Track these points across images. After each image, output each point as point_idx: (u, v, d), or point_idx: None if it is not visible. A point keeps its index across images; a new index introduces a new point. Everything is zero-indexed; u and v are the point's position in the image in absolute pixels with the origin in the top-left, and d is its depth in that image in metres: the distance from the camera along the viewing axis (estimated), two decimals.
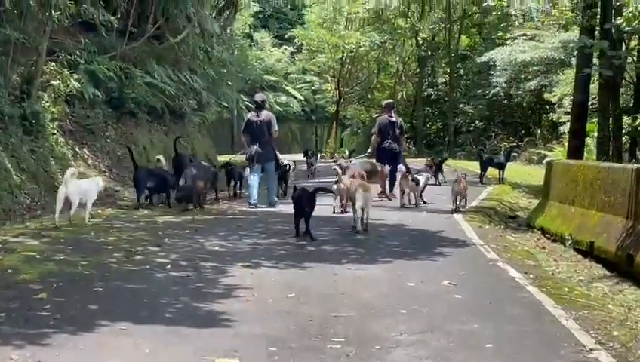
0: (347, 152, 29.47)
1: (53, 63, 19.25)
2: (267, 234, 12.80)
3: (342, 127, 57.08)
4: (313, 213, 12.78)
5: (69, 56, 19.71)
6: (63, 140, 18.89)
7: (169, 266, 9.73)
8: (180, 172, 17.30)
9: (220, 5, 32.63)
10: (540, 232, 15.03)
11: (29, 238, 11.59)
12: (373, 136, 19.52)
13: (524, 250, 12.84)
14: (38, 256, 10.04)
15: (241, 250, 11.23)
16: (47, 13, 17.66)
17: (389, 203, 18.31)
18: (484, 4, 40.10)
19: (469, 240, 12.82)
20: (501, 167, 24.57)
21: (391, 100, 22.49)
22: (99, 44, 21.27)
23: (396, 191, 18.64)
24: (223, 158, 27.63)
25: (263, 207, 16.85)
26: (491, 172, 25.16)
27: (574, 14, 30.80)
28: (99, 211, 15.07)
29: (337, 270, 9.82)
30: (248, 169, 17.89)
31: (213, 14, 30.13)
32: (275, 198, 17.43)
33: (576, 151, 22.03)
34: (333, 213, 15.81)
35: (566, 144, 30.31)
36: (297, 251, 11.29)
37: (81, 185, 13.50)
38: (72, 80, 19.26)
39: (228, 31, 33.01)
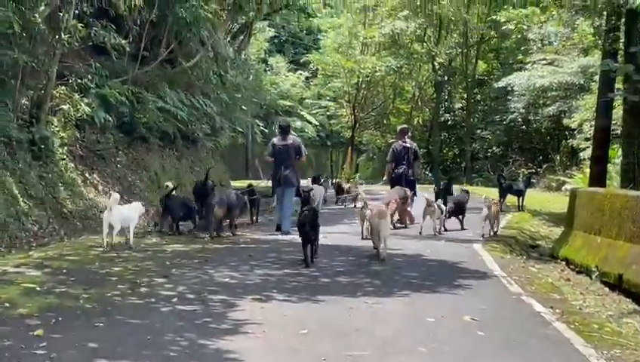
0: (357, 177, 29.13)
1: (63, 87, 18.90)
2: (280, 265, 12.28)
3: (357, 152, 56.62)
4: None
5: (79, 80, 19.34)
6: (72, 166, 18.54)
7: (175, 299, 9.25)
8: (201, 199, 17.30)
9: (235, 30, 32.41)
10: (564, 263, 14.46)
11: (31, 268, 11.12)
12: (388, 165, 19.31)
13: (549, 282, 12.26)
14: (38, 288, 9.58)
15: (252, 282, 10.72)
16: (56, 37, 17.38)
17: (406, 230, 17.75)
18: (503, 29, 39.63)
19: (491, 272, 12.27)
20: (520, 194, 23.97)
21: (405, 126, 21.96)
22: (110, 67, 20.88)
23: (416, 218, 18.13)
24: (238, 184, 27.17)
25: (278, 235, 16.65)
26: (510, 199, 24.54)
27: (595, 38, 30.23)
28: (107, 239, 14.59)
29: (352, 304, 9.32)
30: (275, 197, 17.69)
31: (228, 38, 29.84)
32: (289, 229, 16.70)
33: (598, 178, 21.46)
34: (362, 238, 15.68)
35: (586, 171, 29.85)
36: (311, 283, 10.77)
37: (123, 212, 14.15)
38: (82, 104, 18.90)
39: (242, 55, 32.68)
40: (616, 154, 26.25)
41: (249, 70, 35.59)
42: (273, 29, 58.54)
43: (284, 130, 17.61)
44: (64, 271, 10.81)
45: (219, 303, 9.15)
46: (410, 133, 19.69)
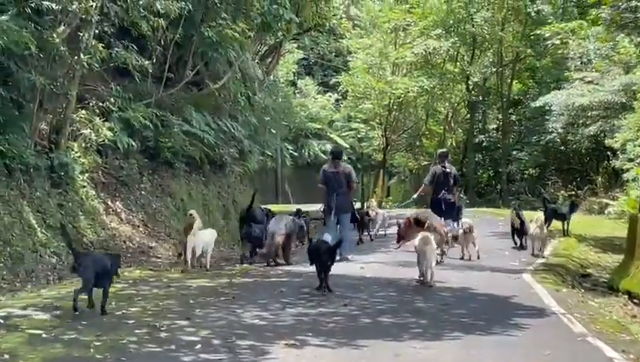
0: (374, 202, 27.27)
1: (83, 111, 18.24)
2: (314, 302, 11.14)
3: (388, 175, 55.52)
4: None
5: (100, 104, 18.72)
6: (94, 193, 17.83)
7: (199, 346, 8.17)
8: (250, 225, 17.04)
9: (263, 51, 31.65)
10: (625, 297, 13.24)
11: (39, 311, 10.05)
12: (425, 186, 18.62)
13: (613, 319, 11.08)
14: (44, 335, 8.53)
15: (284, 323, 9.62)
16: (76, 57, 16.56)
17: (446, 260, 16.61)
18: (547, 43, 38.46)
19: (548, 308, 11.08)
20: (565, 218, 22.75)
21: (445, 150, 21.42)
22: (133, 90, 20.29)
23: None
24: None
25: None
26: (554, 224, 23.29)
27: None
28: (125, 273, 13.53)
29: (399, 349, 8.25)
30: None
31: (256, 60, 29.03)
32: (348, 256, 16.59)
33: None
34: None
35: (632, 192, 28.58)
36: (350, 324, 9.65)
37: (205, 237, 15.37)
38: (104, 128, 18.26)
39: (271, 77, 31.86)
40: None
41: (278, 92, 34.72)
42: (302, 51, 58.05)
43: (336, 156, 17.37)
44: (76, 313, 9.73)
45: (247, 350, 8.10)
46: (449, 158, 19.34)
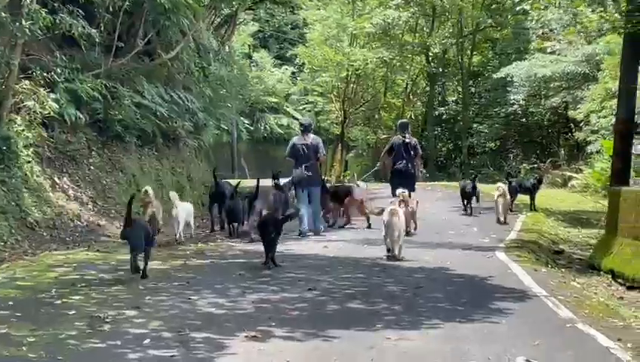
0: (355, 175, 26.95)
1: (27, 82, 16.90)
2: (276, 286, 10.18)
3: (346, 149, 54.79)
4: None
5: (45, 74, 17.29)
6: (39, 169, 16.68)
7: (147, 341, 7.23)
8: (222, 201, 17.35)
9: (218, 21, 30.54)
10: (609, 276, 12.49)
11: None
12: (383, 154, 18.61)
13: (601, 302, 10.28)
14: None
15: (245, 311, 8.68)
16: (17, 23, 15.21)
17: (415, 238, 15.82)
18: (518, 9, 37.81)
19: (529, 290, 10.25)
20: (530, 192, 22.09)
21: (405, 120, 21.44)
22: (81, 60, 18.93)
23: None
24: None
25: (311, 235, 16.18)
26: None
27: (601, 22, 28.31)
28: (69, 255, 12.51)
29: (372, 340, 7.40)
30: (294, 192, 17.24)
31: (211, 30, 27.93)
32: (322, 226, 17.05)
33: (620, 174, 19.50)
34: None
35: (597, 165, 28.05)
36: (317, 310, 8.75)
37: (186, 207, 15.95)
38: (49, 100, 17.00)
39: (226, 48, 30.74)
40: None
41: (233, 63, 33.55)
42: (257, 24, 57.15)
43: (306, 129, 17.30)
44: (10, 303, 8.69)
45: (203, 344, 7.18)
46: (410, 129, 18.82)
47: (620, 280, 11.99)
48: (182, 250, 13.74)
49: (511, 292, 10.03)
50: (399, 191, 15.39)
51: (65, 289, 9.69)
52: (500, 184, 20.21)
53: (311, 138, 17.02)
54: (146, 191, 15.45)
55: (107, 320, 8.01)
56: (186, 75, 24.78)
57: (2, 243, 13.61)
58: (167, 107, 22.05)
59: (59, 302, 8.93)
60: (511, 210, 21.02)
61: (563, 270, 13.14)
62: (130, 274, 10.48)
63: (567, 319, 8.62)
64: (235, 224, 16.72)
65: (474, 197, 20.56)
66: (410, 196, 16.15)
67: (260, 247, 12.61)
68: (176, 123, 23.55)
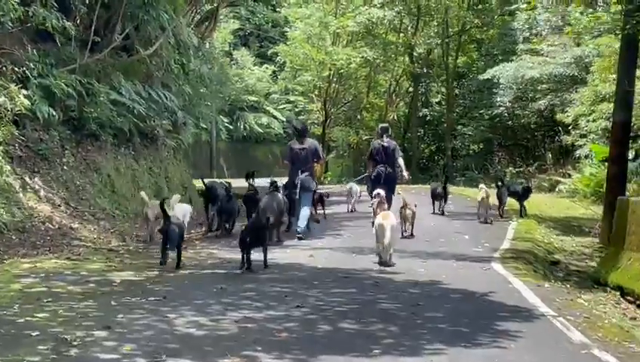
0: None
1: None
2: (261, 302, 9.31)
3: (327, 149, 54.22)
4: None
5: (17, 69, 16.68)
6: (9, 168, 15.79)
7: None
8: (215, 203, 17.50)
9: (199, 18, 29.71)
10: (616, 293, 11.75)
11: None
12: (367, 159, 18.91)
13: (613, 323, 9.51)
14: None
15: (227, 332, 7.86)
16: None
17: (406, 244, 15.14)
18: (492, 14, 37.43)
19: (535, 309, 9.51)
20: (519, 196, 21.55)
21: (385, 124, 20.83)
22: (55, 55, 18.22)
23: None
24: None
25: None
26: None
27: (591, 24, 27.80)
28: (37, 263, 11.66)
29: None
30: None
31: (191, 26, 27.06)
32: (304, 230, 16.77)
33: (616, 180, 18.84)
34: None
35: (586, 170, 27.52)
36: (306, 332, 7.95)
37: (184, 209, 15.89)
38: (20, 96, 16.08)
39: (207, 45, 29.91)
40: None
41: (214, 61, 32.76)
42: (238, 21, 56.38)
43: (301, 134, 17.53)
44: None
45: None
46: (390, 132, 19.12)
47: (629, 298, 11.26)
48: (158, 257, 12.84)
49: (516, 311, 9.28)
50: (375, 192, 15.29)
51: (29, 304, 8.79)
52: (482, 185, 21.25)
53: (308, 142, 17.25)
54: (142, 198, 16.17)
55: (74, 343, 7.16)
56: (164, 72, 23.90)
57: None
58: (145, 105, 21.24)
59: (21, 320, 8.03)
60: (501, 216, 20.47)
61: (568, 286, 12.40)
62: (113, 283, 10.39)
63: (580, 344, 7.88)
64: (228, 224, 17.08)
65: (443, 199, 21.49)
66: (390, 198, 16.47)
67: (238, 256, 11.89)
68: (154, 121, 22.83)
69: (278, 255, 13.26)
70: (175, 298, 9.45)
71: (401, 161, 18.16)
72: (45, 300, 9.07)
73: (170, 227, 11.79)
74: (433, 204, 21.65)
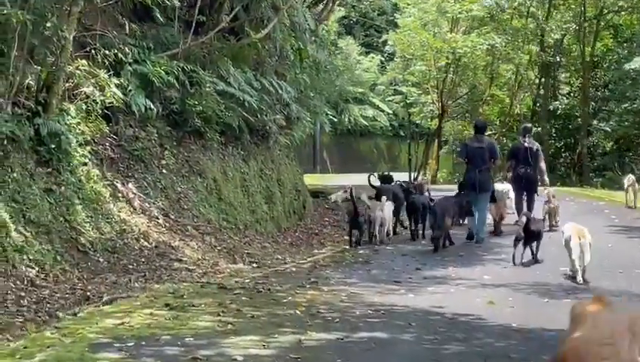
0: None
1: (84, 62, 14.16)
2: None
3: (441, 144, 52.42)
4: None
5: (108, 53, 14.84)
6: (97, 173, 13.85)
7: None
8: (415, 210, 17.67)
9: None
10: None
11: None
12: (507, 160, 19.51)
13: None
14: None
15: None
16: None
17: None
18: None
19: None
20: None
21: (529, 124, 21.70)
22: (154, 37, 16.70)
23: None
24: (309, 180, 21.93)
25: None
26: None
27: None
28: (124, 320, 8.58)
29: None
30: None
31: (305, 6, 25.08)
32: (484, 237, 16.77)
33: None
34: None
35: None
36: None
37: (388, 210, 16.98)
38: (112, 86, 14.45)
39: (324, 29, 27.98)
40: None
41: (330, 46, 30.87)
42: (343, 9, 55.22)
43: (480, 131, 17.61)
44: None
45: None
46: (532, 133, 19.89)
47: None
48: (280, 296, 9.70)
49: None
50: (523, 217, 14.70)
51: None
52: (630, 175, 22.53)
53: (486, 141, 17.36)
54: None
55: None
56: (278, 59, 22.45)
57: (44, 273, 10.79)
58: (257, 96, 19.49)
59: None
60: None
61: None
62: None
63: None
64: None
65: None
66: (532, 201, 17.47)
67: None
68: (266, 116, 20.93)
69: (441, 296, 10.09)
70: None
71: (543, 165, 18.40)
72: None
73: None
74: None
